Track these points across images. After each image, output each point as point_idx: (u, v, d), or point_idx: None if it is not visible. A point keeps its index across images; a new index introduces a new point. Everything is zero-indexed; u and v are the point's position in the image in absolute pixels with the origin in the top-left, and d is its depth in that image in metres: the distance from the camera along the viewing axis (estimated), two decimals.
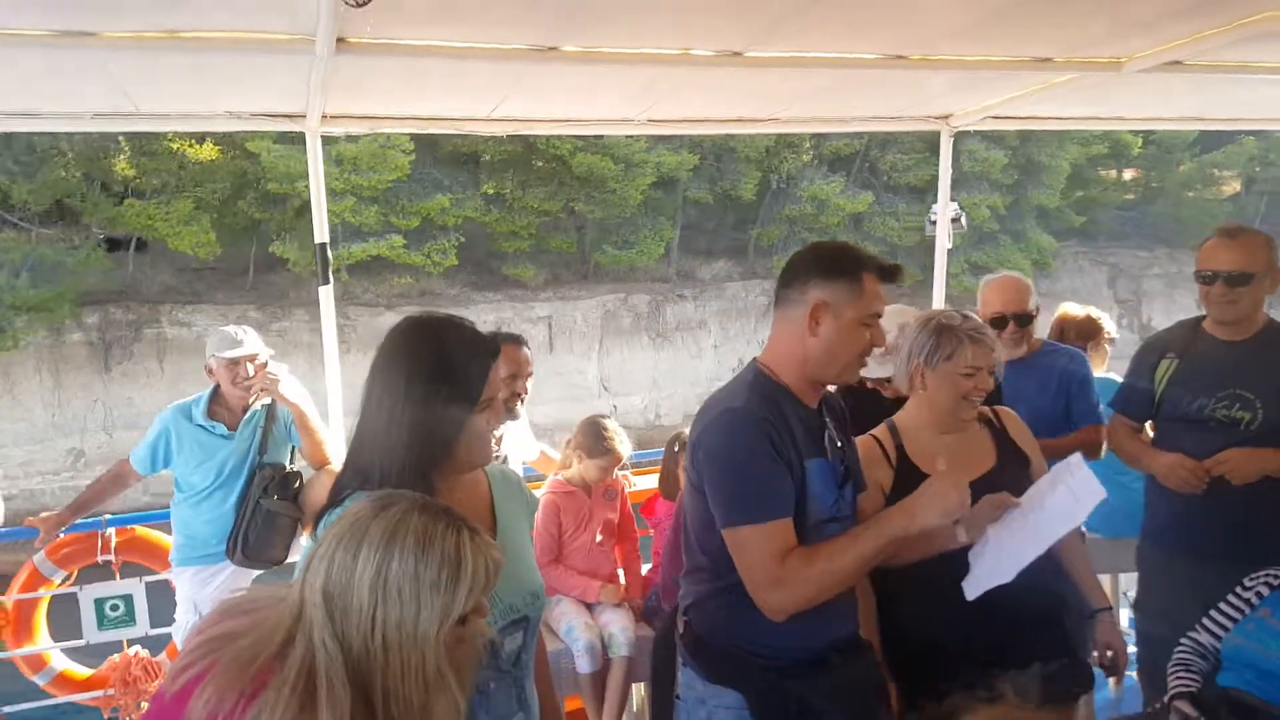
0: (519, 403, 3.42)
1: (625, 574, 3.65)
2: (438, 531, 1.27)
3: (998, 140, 26.82)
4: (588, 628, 3.32)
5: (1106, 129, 20.20)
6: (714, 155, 25.44)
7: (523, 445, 3.86)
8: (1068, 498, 1.89)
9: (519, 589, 1.68)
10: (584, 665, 3.27)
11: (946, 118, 4.21)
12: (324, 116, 3.56)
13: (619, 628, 3.33)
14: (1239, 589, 2.58)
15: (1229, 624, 2.54)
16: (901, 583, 2.27)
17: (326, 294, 3.76)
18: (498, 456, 3.37)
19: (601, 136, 18.81)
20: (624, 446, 3.47)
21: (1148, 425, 3.04)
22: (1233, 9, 2.75)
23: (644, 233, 24.11)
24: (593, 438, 3.46)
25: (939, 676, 2.25)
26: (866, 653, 2.04)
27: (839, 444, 2.01)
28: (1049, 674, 2.22)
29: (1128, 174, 33.28)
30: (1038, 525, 1.88)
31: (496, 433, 1.70)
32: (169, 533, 3.85)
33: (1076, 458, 1.96)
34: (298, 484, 3.60)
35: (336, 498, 1.59)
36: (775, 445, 1.83)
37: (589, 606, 3.45)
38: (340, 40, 2.59)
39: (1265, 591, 2.52)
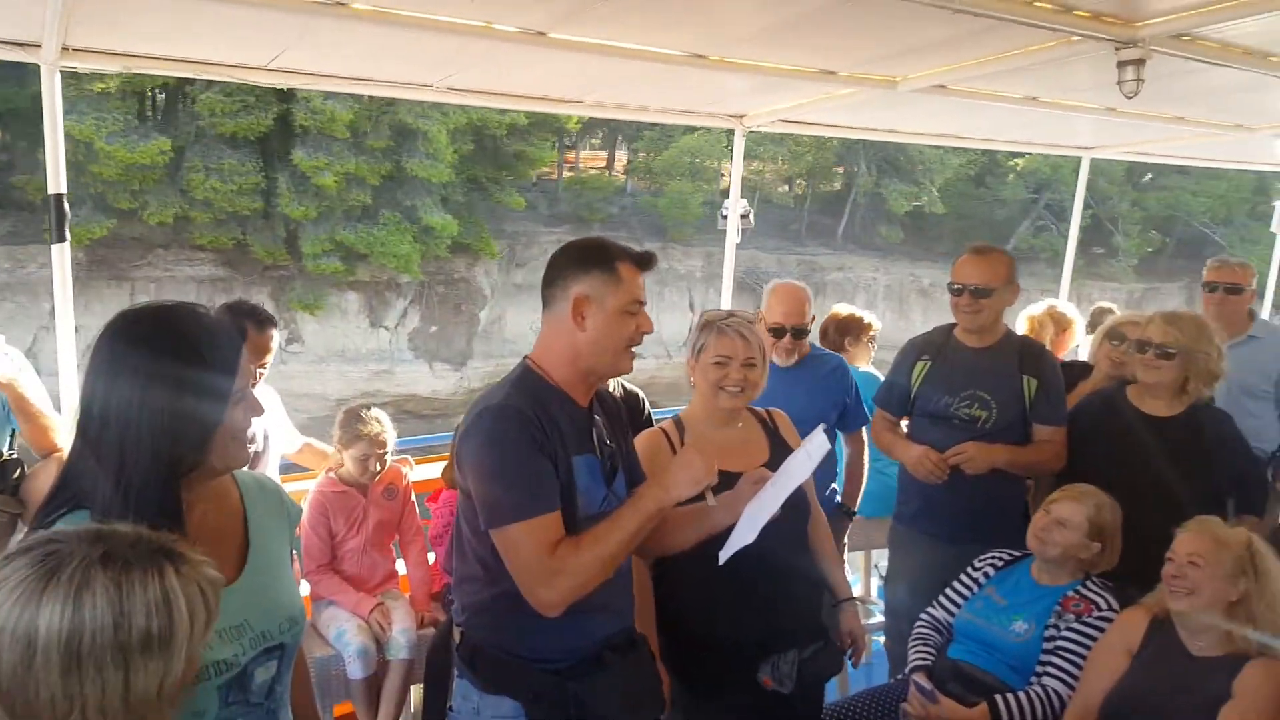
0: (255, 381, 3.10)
1: (411, 577, 3.43)
2: (134, 579, 1.07)
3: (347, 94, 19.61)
4: (361, 630, 3.11)
5: (884, 139, 21.51)
6: None
7: (282, 436, 3.49)
8: (803, 456, 2.02)
9: (274, 614, 1.51)
10: (356, 670, 3.06)
11: (741, 117, 4.36)
12: (64, 49, 3.08)
13: (399, 629, 3.15)
14: (970, 569, 2.90)
15: (961, 601, 2.84)
16: (678, 577, 2.34)
17: (61, 253, 3.26)
18: (252, 447, 3.11)
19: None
20: (379, 429, 3.21)
21: (904, 419, 3.32)
22: (987, 45, 3.04)
23: None
24: (346, 425, 3.23)
25: (711, 666, 2.36)
26: (641, 648, 2.07)
27: (608, 441, 2.02)
28: (805, 659, 2.38)
29: (618, 161, 30.37)
30: (778, 486, 1.99)
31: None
32: None
33: (819, 428, 2.08)
34: (17, 473, 3.10)
35: (45, 520, 1.37)
36: (537, 440, 1.82)
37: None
38: None
39: (991, 571, 2.85)
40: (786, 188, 32.14)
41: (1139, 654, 2.40)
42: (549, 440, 1.84)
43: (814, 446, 2.03)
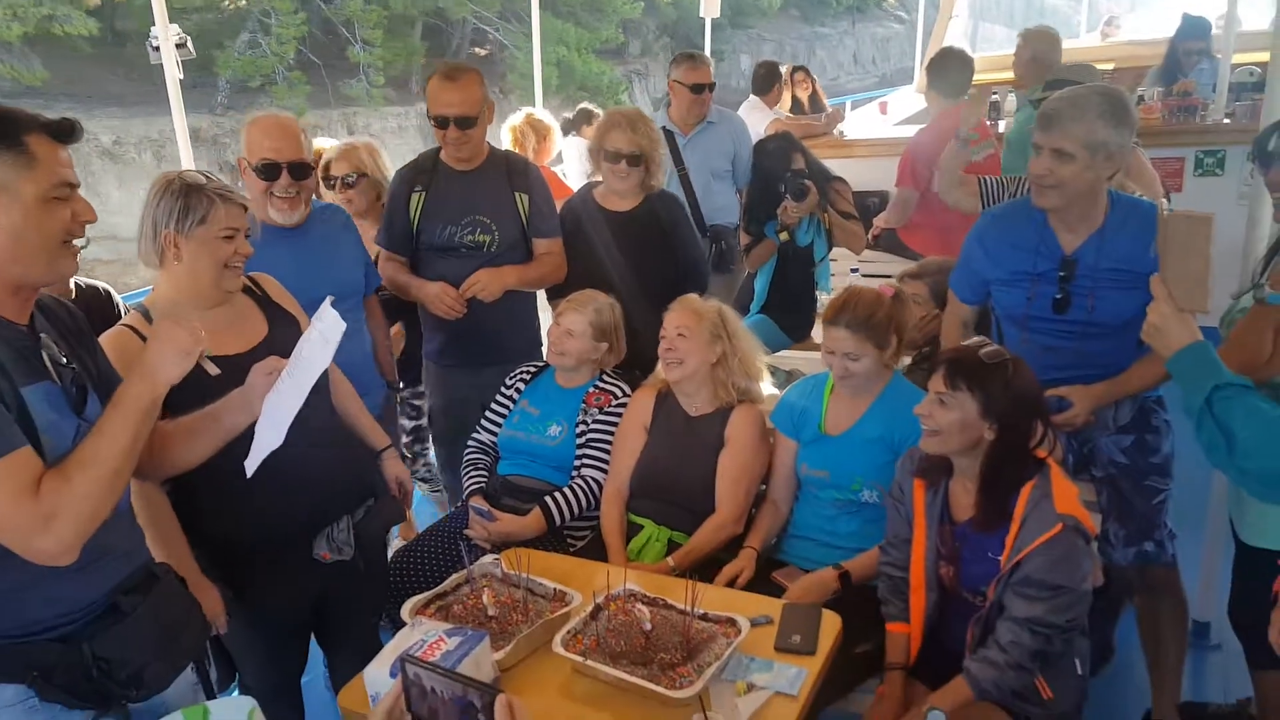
0: None
1: None
2: None
3: None
4: None
5: None
6: None
7: None
8: (319, 340, 1.85)
9: None
10: None
11: None
12: None
13: None
14: (503, 388, 3.02)
15: (500, 419, 2.97)
16: (198, 488, 2.08)
17: None
18: None
19: None
20: None
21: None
22: None
23: None
24: None
25: (264, 563, 2.20)
26: (165, 580, 1.82)
27: (66, 361, 1.66)
28: (359, 521, 2.32)
29: None
30: (297, 376, 1.83)
31: None
32: None
33: (327, 301, 1.90)
34: None
35: None
36: None
37: None
38: None
39: (522, 386, 3.00)
40: None
41: (651, 426, 2.76)
42: None
43: (327, 326, 1.84)
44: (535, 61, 6.20)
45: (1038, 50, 4.46)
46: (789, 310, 4.18)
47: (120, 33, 19.12)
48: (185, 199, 2.08)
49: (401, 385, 3.49)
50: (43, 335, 1.62)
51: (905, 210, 4.50)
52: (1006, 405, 1.99)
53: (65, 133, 1.56)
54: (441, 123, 2.97)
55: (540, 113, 4.55)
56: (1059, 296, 2.34)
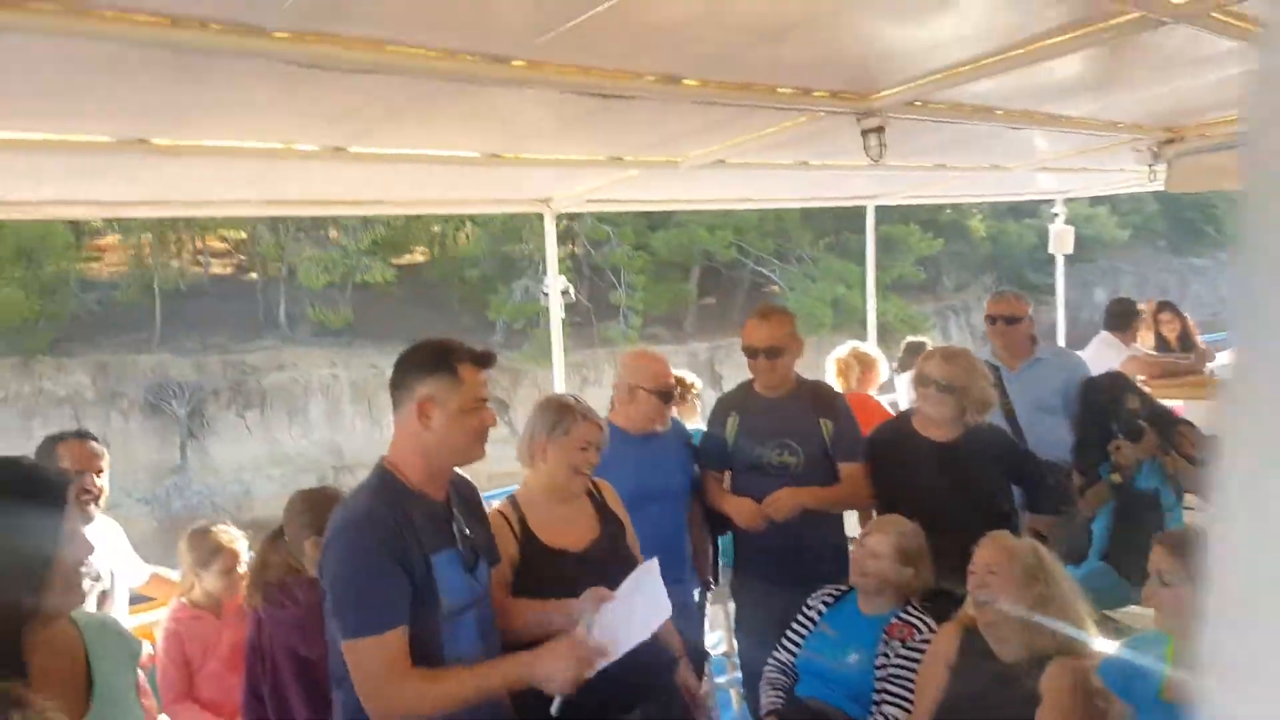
0: (93, 503, 3.03)
1: None
2: None
3: None
4: None
5: (671, 209, 17.74)
6: None
7: (127, 568, 3.35)
8: (652, 606, 2.14)
9: None
10: None
11: (547, 201, 4.57)
12: None
13: None
14: (804, 608, 3.09)
15: (800, 640, 3.02)
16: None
17: None
18: (99, 586, 3.00)
19: None
20: (232, 538, 3.21)
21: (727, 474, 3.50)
22: (750, 126, 3.36)
23: None
24: (198, 545, 3.18)
25: None
26: None
27: (467, 531, 2.11)
28: (649, 715, 2.48)
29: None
30: (635, 623, 2.11)
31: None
32: None
33: (653, 562, 2.22)
34: None
35: None
36: (393, 549, 1.91)
37: None
38: None
39: (823, 608, 3.05)
40: (201, 269, 23.63)
41: (955, 666, 2.61)
42: (408, 545, 1.93)
43: (657, 601, 2.14)
44: (870, 302, 6.54)
45: None
46: (1133, 560, 3.77)
47: (425, 281, 23.07)
48: (557, 414, 2.59)
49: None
50: (454, 509, 2.10)
51: None
52: None
53: (485, 360, 2.11)
54: (752, 353, 3.33)
55: (866, 346, 4.79)
56: None
